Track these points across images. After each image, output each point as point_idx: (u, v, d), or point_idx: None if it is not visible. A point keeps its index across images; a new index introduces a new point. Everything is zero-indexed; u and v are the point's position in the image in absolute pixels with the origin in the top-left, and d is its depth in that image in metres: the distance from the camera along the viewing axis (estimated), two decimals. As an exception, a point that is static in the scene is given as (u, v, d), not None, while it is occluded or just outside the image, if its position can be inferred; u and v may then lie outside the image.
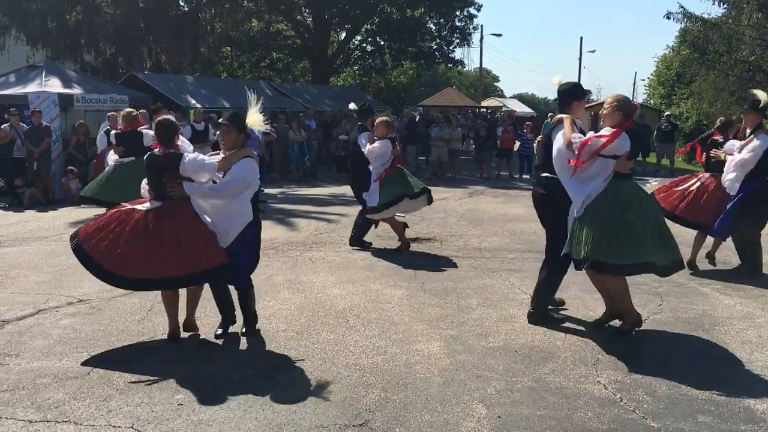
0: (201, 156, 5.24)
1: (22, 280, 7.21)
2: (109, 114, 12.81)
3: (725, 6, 20.43)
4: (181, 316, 5.39)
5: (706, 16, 20.93)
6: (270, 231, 10.23)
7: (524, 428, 3.85)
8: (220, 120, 5.49)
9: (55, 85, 15.85)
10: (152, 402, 4.17)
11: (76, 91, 15.98)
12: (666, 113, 23.26)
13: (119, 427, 3.84)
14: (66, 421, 3.90)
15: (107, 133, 10.92)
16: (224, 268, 5.11)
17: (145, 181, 5.33)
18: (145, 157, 5.29)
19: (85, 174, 14.01)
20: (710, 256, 7.80)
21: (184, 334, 5.37)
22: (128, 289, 5.69)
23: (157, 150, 5.23)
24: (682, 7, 20.12)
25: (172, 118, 5.62)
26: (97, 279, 5.09)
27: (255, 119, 5.45)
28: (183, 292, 5.40)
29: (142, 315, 5.92)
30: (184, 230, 5.04)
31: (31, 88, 15.42)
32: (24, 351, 5.05)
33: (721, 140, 7.72)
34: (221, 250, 5.11)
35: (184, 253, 4.97)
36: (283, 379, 4.52)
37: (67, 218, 11.50)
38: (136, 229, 5.00)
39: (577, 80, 7.24)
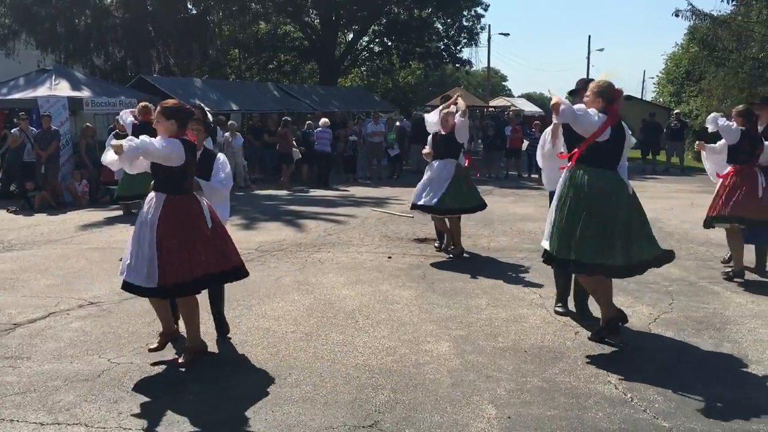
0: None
1: (33, 283, 7.25)
2: (117, 117, 12.83)
3: (734, 3, 20.29)
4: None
5: (715, 13, 20.82)
6: (278, 232, 10.26)
7: (534, 429, 3.84)
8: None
9: (64, 89, 15.91)
10: (162, 404, 4.17)
11: (86, 94, 16.05)
12: (675, 111, 23.22)
13: (129, 429, 3.85)
14: (77, 424, 3.91)
15: (116, 135, 10.97)
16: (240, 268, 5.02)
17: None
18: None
19: (97, 176, 14.06)
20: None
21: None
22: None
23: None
24: (691, 4, 19.93)
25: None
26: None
27: None
28: None
29: (151, 317, 5.89)
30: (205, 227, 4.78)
31: (41, 92, 15.48)
32: (35, 354, 5.08)
33: None
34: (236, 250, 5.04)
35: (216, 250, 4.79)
36: (292, 380, 4.52)
37: (77, 221, 11.56)
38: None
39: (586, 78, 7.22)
